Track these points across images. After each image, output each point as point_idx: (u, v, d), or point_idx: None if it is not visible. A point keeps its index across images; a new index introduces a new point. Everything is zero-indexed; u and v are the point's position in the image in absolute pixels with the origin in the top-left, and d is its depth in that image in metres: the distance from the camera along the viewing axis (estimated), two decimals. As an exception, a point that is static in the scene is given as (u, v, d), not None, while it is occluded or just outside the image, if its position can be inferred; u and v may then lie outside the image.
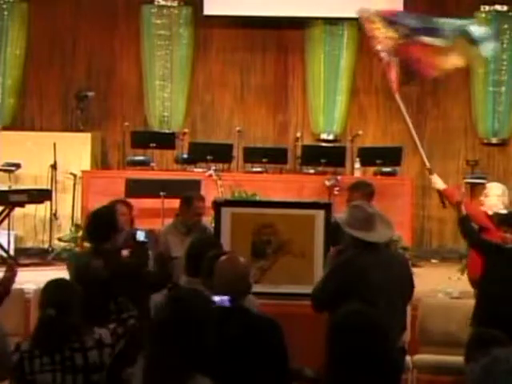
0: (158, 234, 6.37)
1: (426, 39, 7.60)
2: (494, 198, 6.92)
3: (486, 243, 6.18)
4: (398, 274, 5.08)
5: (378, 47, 7.50)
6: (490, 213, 6.78)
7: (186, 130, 12.06)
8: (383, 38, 7.54)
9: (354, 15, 12.17)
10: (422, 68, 7.67)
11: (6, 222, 10.44)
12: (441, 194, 7.14)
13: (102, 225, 5.35)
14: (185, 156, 11.54)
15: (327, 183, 10.45)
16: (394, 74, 7.58)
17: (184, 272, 5.12)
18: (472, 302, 6.22)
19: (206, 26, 12.56)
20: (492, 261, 5.97)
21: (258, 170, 11.53)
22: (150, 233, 5.64)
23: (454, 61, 7.58)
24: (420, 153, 7.67)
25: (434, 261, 11.18)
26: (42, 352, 3.94)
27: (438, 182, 7.12)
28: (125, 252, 6.21)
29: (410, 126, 7.62)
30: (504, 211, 6.79)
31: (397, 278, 5.03)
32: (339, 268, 5.12)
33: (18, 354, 3.98)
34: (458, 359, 5.08)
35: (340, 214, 5.73)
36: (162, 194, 9.95)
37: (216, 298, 3.71)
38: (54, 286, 4.13)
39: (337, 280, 4.99)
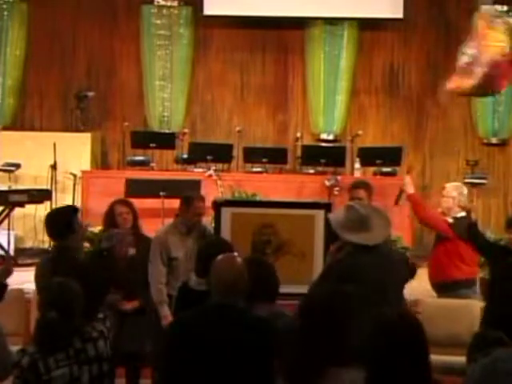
0: (123, 234, 6.30)
1: None
2: (449, 200, 6.91)
3: (494, 247, 6.20)
4: (394, 271, 5.06)
5: (472, 51, 7.53)
6: (451, 220, 6.77)
7: (186, 130, 12.05)
8: (491, 43, 7.54)
9: (354, 15, 12.35)
10: (501, 82, 7.69)
11: (6, 222, 10.44)
12: (401, 193, 7.18)
13: (55, 223, 5.47)
14: (185, 156, 11.53)
15: (327, 183, 10.45)
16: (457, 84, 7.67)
17: (194, 272, 5.14)
18: (472, 302, 6.22)
19: (206, 26, 12.56)
20: (500, 264, 5.97)
21: (258, 169, 11.52)
22: (113, 235, 5.67)
23: None
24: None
25: (434, 261, 11.16)
26: (53, 350, 3.93)
27: (409, 185, 7.06)
28: (131, 250, 6.23)
29: None
30: (462, 214, 6.79)
31: (393, 276, 5.01)
32: (335, 267, 5.12)
33: (28, 357, 3.94)
34: (459, 359, 5.07)
35: (334, 213, 5.70)
36: (161, 194, 9.95)
37: None
38: (55, 287, 4.11)
39: (333, 279, 4.98)
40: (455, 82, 7.75)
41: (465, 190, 6.97)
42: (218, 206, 6.94)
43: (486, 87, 7.77)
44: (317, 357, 3.26)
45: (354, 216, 5.06)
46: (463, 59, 7.61)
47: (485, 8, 7.79)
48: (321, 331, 3.27)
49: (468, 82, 7.63)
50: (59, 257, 5.43)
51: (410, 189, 7.03)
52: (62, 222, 5.49)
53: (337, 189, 10.19)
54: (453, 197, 6.89)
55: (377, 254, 5.02)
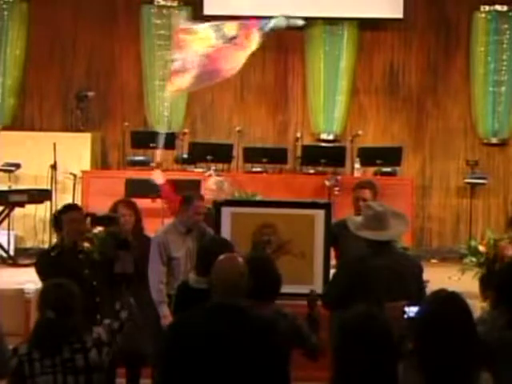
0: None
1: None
2: (209, 192, 7.12)
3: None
4: (407, 275, 5.02)
5: (177, 55, 7.94)
6: None
7: (186, 130, 12.06)
8: (194, 41, 7.99)
9: (354, 15, 12.35)
10: (219, 72, 8.11)
11: (6, 222, 10.44)
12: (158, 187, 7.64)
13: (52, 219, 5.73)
14: (185, 156, 11.53)
15: (327, 183, 10.46)
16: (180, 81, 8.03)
17: (193, 271, 5.15)
18: (473, 302, 6.19)
19: (206, 26, 12.54)
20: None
21: (258, 169, 11.52)
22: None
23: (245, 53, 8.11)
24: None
25: (433, 261, 11.18)
26: (42, 354, 3.92)
27: (158, 177, 7.59)
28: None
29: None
30: None
31: (405, 280, 4.98)
32: (350, 265, 5.11)
33: (17, 358, 3.95)
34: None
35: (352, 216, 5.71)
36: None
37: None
38: (53, 287, 4.10)
39: (347, 277, 4.99)
40: (176, 83, 8.25)
41: (225, 185, 7.23)
42: (217, 205, 6.95)
43: (206, 77, 8.20)
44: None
45: (371, 213, 5.07)
46: (175, 65, 8.13)
47: (182, 23, 8.28)
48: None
49: (187, 78, 8.06)
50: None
51: (160, 180, 7.57)
52: (54, 218, 5.58)
53: (337, 189, 10.19)
54: (212, 189, 7.21)
55: (392, 257, 5.01)
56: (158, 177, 7.65)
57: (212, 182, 7.31)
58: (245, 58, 8.19)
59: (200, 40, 8.03)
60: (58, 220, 5.64)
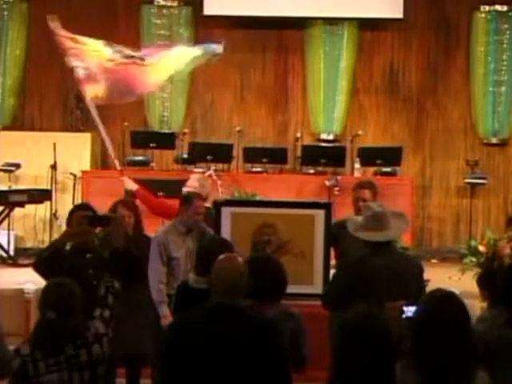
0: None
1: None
2: (191, 190, 7.12)
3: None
4: (407, 275, 5.02)
5: (76, 62, 7.90)
6: None
7: (186, 130, 12.05)
8: (88, 52, 7.97)
9: (354, 15, 12.35)
10: (134, 87, 8.13)
11: (6, 222, 10.44)
12: (133, 193, 7.57)
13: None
14: (185, 156, 11.53)
15: (327, 183, 10.46)
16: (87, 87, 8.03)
17: (193, 271, 5.15)
18: (473, 302, 6.19)
19: (206, 26, 12.55)
20: None
21: (258, 169, 11.52)
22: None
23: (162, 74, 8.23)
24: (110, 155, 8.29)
25: (433, 261, 11.18)
26: (45, 354, 3.92)
27: (130, 184, 7.62)
28: None
29: (102, 131, 8.17)
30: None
31: (405, 280, 4.97)
32: (350, 266, 5.11)
33: (19, 359, 3.95)
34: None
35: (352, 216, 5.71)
36: (161, 194, 9.93)
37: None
38: (53, 287, 4.10)
39: (347, 278, 4.99)
40: (91, 91, 8.17)
41: (207, 183, 7.25)
42: (218, 205, 6.95)
43: (120, 94, 8.20)
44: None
45: (370, 213, 5.08)
46: (80, 71, 8.14)
47: (60, 30, 8.38)
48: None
49: (99, 89, 8.06)
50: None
51: (133, 186, 7.58)
52: (67, 217, 5.78)
53: (337, 189, 10.20)
54: (195, 187, 7.09)
55: (391, 257, 5.01)
56: (130, 184, 7.67)
57: (194, 180, 7.31)
58: (159, 78, 8.24)
59: (93, 52, 8.02)
60: (68, 219, 5.72)
